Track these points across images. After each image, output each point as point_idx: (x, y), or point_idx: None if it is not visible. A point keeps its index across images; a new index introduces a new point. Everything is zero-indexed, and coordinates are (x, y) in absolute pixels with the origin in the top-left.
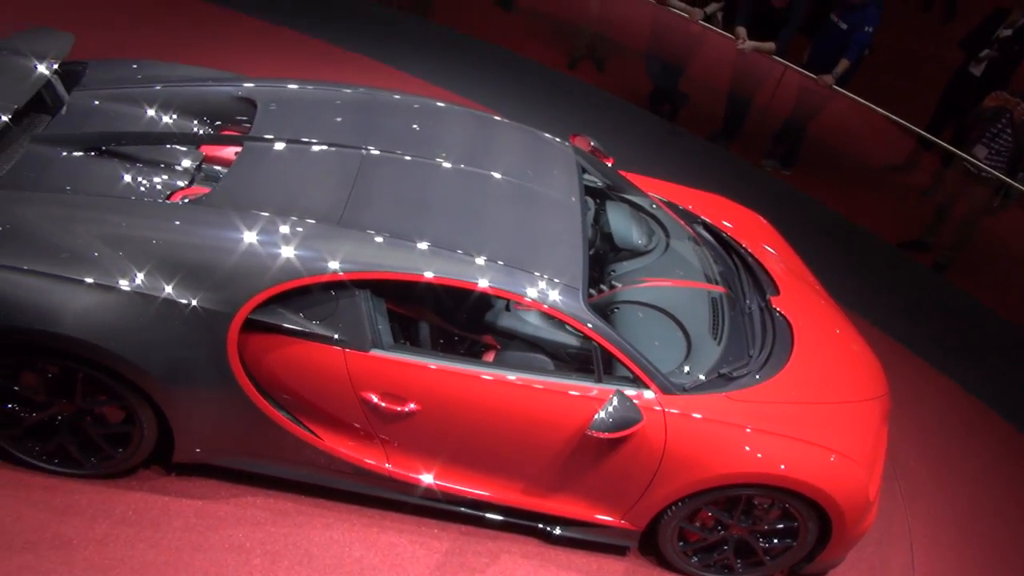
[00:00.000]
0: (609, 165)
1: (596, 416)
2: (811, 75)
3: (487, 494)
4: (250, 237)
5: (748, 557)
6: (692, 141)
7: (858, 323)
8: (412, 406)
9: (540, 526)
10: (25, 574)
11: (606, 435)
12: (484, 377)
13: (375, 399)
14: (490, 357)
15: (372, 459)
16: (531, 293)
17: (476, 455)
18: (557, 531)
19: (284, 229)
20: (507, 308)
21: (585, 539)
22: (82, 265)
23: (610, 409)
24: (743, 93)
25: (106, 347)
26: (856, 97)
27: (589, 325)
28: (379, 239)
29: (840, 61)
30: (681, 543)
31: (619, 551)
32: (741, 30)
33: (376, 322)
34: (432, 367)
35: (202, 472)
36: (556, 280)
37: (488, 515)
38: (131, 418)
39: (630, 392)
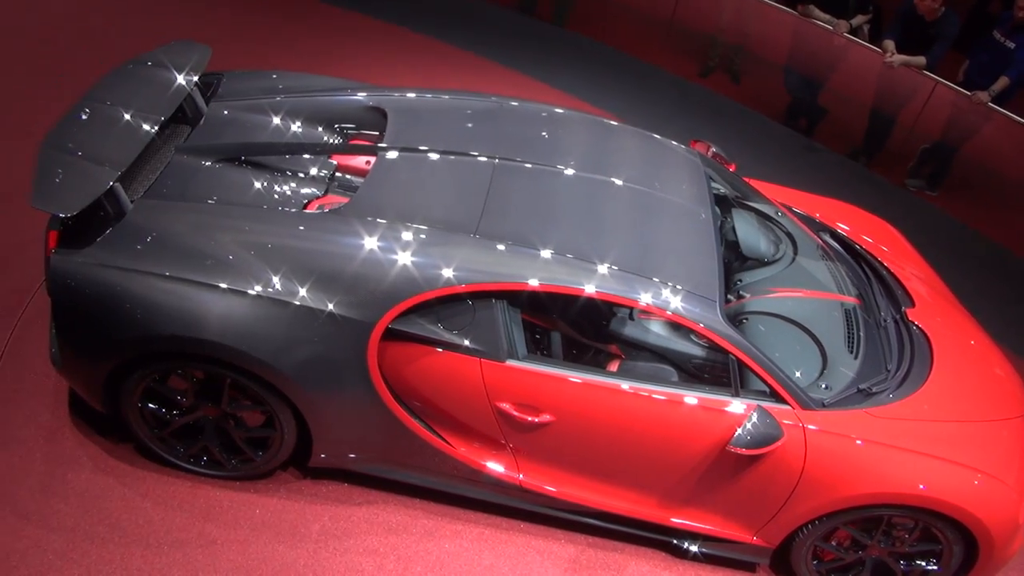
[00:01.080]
0: (732, 171)
1: (737, 432)
2: (964, 91)
3: (617, 506)
4: (393, 249)
5: None
6: (829, 157)
7: (1007, 354)
8: (546, 417)
9: (669, 540)
10: (175, 571)
11: (746, 452)
12: (620, 389)
13: (509, 409)
14: (614, 367)
15: (504, 468)
16: (670, 304)
17: (608, 467)
18: (686, 545)
19: (425, 240)
20: (631, 317)
21: (714, 554)
22: (229, 273)
23: (750, 426)
24: (888, 109)
25: (252, 353)
26: (1015, 116)
27: (727, 337)
28: (518, 251)
29: (999, 78)
30: (815, 562)
31: (748, 567)
32: (889, 43)
33: (512, 333)
34: (568, 378)
35: (336, 477)
36: (692, 291)
37: (616, 527)
38: (272, 422)
39: (769, 407)
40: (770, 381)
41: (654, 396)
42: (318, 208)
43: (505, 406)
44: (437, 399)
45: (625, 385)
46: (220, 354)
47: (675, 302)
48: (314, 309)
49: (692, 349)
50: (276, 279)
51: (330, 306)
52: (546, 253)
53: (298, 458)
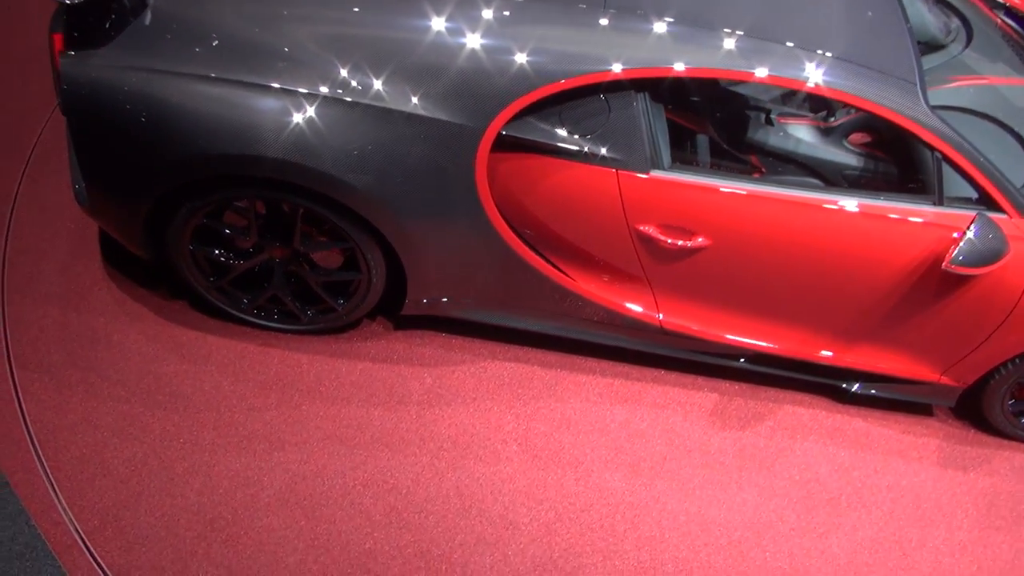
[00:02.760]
0: None
1: (957, 247)
2: None
3: (778, 347)
4: (504, 35)
5: None
6: None
7: None
8: (700, 240)
9: (833, 383)
10: (257, 445)
11: (967, 271)
12: (801, 202)
13: (654, 233)
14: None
15: (640, 307)
16: (863, 92)
17: (772, 300)
18: (854, 388)
19: (545, 18)
20: (768, 121)
21: (885, 397)
22: (294, 72)
23: (972, 238)
24: None
25: (330, 173)
26: None
27: (934, 131)
28: (665, 27)
29: None
30: (1012, 401)
31: (923, 410)
32: None
33: (656, 136)
34: (732, 192)
35: (433, 326)
36: (888, 73)
37: (770, 370)
38: (355, 263)
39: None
40: (986, 185)
41: (843, 208)
42: None
43: (648, 229)
44: (560, 224)
45: (808, 196)
46: (287, 176)
47: (869, 89)
48: (406, 114)
49: (847, 158)
50: (353, 77)
51: (427, 109)
52: (704, 31)
53: (387, 306)
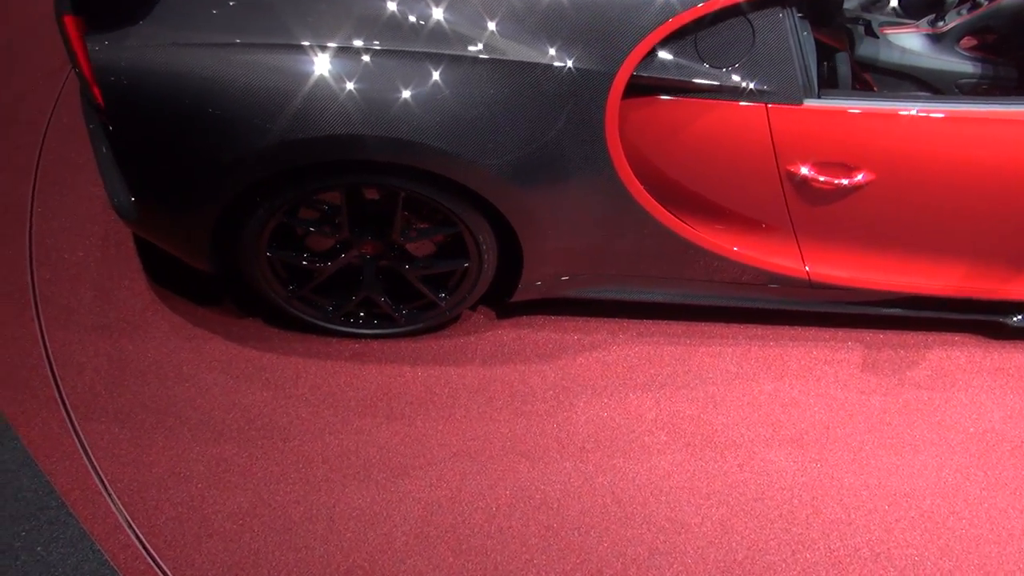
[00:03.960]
0: None
1: None
2: None
3: (938, 285)
4: None
5: None
6: None
7: None
8: (860, 177)
9: (992, 318)
10: (376, 472)
11: None
12: (979, 118)
13: (808, 174)
14: None
15: (783, 260)
16: None
17: (937, 234)
18: (1016, 320)
19: None
20: (870, 32)
21: None
22: (383, 29)
23: None
24: None
25: (448, 149)
26: None
27: None
28: None
29: None
30: None
31: None
32: None
33: (806, 58)
34: (902, 113)
35: (534, 309)
36: None
37: (922, 313)
38: (460, 248)
39: None
40: None
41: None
42: None
43: (801, 170)
44: (697, 175)
45: (988, 110)
46: (399, 157)
47: None
48: (524, 64)
49: (962, 65)
50: (463, 29)
51: (548, 56)
52: None
53: (490, 294)
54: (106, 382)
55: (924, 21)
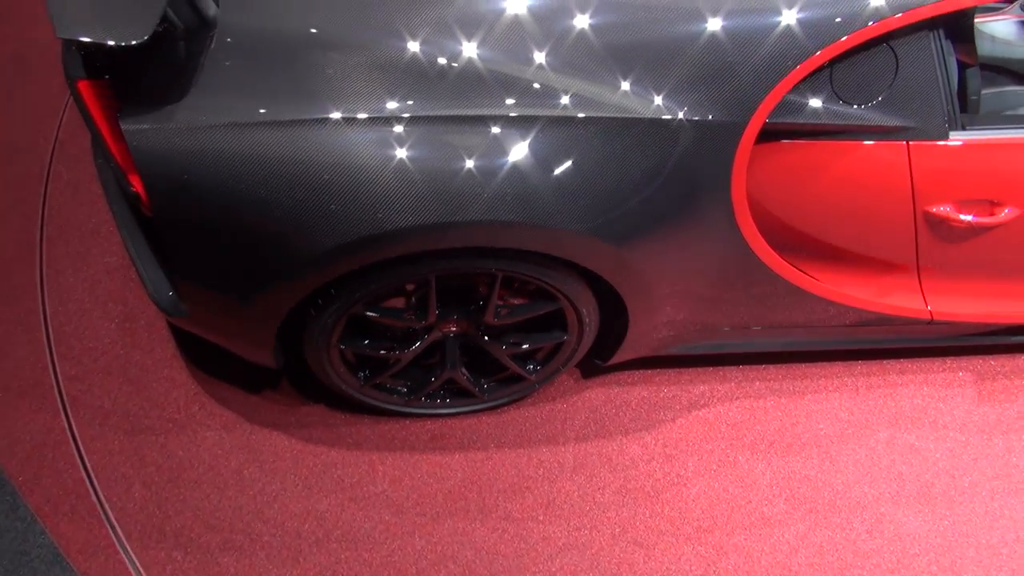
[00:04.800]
0: None
1: None
2: None
3: None
4: None
5: None
6: None
7: None
8: (1006, 212)
9: None
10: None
11: None
12: None
13: (948, 213)
14: None
15: (904, 301)
16: None
17: None
18: None
19: None
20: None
21: None
22: (472, 91)
23: None
24: None
25: (557, 225)
26: None
27: None
28: None
29: None
30: None
31: None
32: None
33: (951, 86)
34: None
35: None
36: None
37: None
38: (558, 320)
39: None
40: None
41: None
42: None
43: (941, 210)
44: (822, 221)
45: None
46: (497, 241)
47: None
48: (644, 121)
49: None
50: (572, 85)
51: (670, 109)
52: None
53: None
54: (157, 498)
55: (1017, 6)
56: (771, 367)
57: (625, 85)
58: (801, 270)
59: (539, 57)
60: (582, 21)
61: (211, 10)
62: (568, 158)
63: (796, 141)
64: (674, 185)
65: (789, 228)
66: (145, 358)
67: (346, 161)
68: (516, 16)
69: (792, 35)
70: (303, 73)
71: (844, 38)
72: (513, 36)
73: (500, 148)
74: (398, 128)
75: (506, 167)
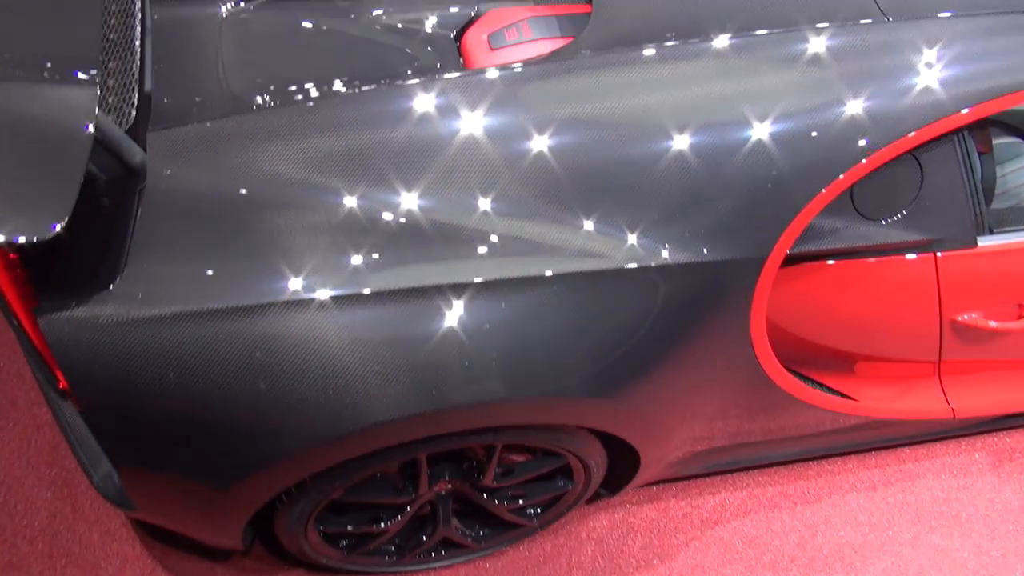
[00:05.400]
0: None
1: None
2: None
3: None
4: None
5: None
6: None
7: None
8: None
9: None
10: None
11: None
12: None
13: (976, 319)
14: None
15: (926, 403)
16: None
17: None
18: None
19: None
20: None
21: None
22: (456, 254)
23: None
24: None
25: (539, 395)
26: None
27: None
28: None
29: None
30: None
31: None
32: None
33: (979, 191)
34: None
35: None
36: None
37: None
38: (564, 471)
39: None
40: None
41: None
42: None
43: (969, 317)
44: (841, 337)
45: None
46: (497, 419)
47: None
48: (652, 269)
49: None
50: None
51: (681, 253)
52: None
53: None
54: None
55: None
56: (782, 469)
57: (592, 225)
58: (815, 380)
59: (493, 203)
60: (540, 144)
61: (137, 157)
62: (545, 320)
63: (817, 263)
64: (691, 332)
65: (803, 343)
66: (90, 530)
67: (309, 348)
68: (469, 148)
69: (813, 161)
70: (247, 243)
71: (865, 160)
72: (466, 176)
73: (473, 320)
74: (360, 310)
75: (483, 341)
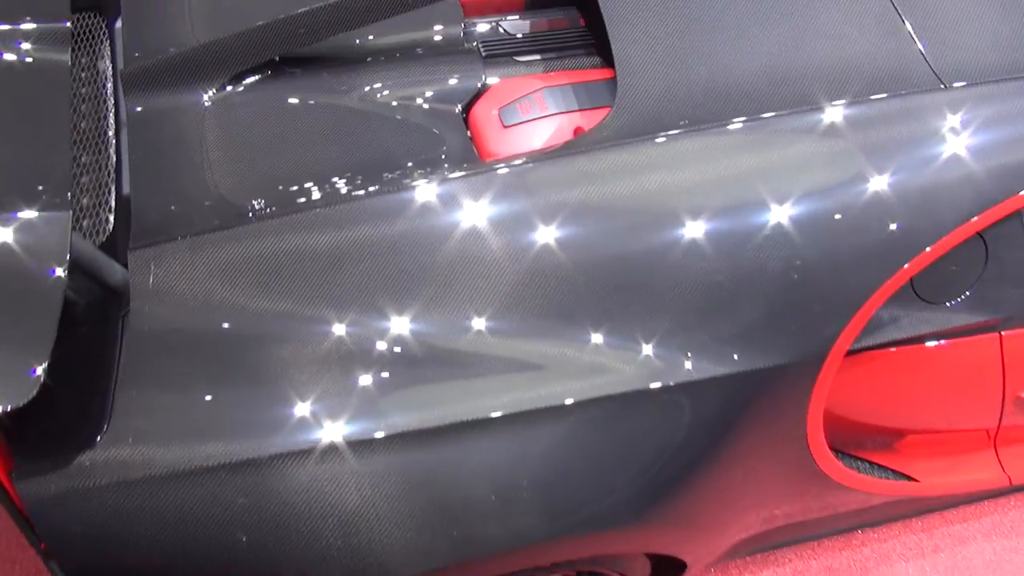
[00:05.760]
0: None
1: None
2: None
3: None
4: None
5: None
6: None
7: None
8: None
9: None
10: None
11: None
12: None
13: None
14: None
15: (983, 476)
16: None
17: None
18: None
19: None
20: None
21: None
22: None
23: None
24: None
25: (580, 534)
26: None
27: None
28: None
29: None
30: None
31: None
32: None
33: None
34: None
35: None
36: None
37: None
38: None
39: None
40: None
41: None
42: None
43: None
44: (899, 422)
45: None
46: (520, 564)
47: None
48: (699, 383)
49: None
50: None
51: (724, 364)
52: None
53: None
54: None
55: None
56: (826, 540)
57: (648, 348)
58: (861, 458)
59: (508, 325)
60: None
61: (118, 275)
62: (577, 452)
63: (878, 351)
64: (743, 443)
65: (854, 425)
66: None
67: (322, 501)
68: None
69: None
70: (249, 384)
71: (929, 248)
72: (471, 298)
73: (498, 456)
74: (376, 456)
75: (513, 480)
